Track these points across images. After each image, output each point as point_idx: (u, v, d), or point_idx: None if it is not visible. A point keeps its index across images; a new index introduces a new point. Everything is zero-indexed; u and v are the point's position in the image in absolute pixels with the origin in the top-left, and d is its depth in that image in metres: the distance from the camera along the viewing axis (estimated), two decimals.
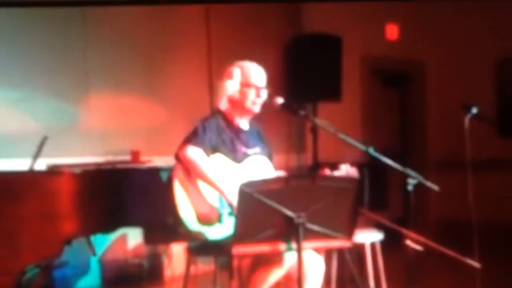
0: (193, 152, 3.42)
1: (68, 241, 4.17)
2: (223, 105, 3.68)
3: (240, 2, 6.65)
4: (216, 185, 3.42)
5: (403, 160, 3.85)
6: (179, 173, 3.46)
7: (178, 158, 3.46)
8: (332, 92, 6.95)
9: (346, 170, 3.71)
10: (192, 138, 3.47)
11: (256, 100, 3.64)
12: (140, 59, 6.09)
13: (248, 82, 3.64)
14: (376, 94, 8.00)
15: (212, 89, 6.35)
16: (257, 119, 3.78)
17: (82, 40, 5.74)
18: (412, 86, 8.36)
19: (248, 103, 3.64)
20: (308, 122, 5.74)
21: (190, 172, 3.44)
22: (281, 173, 3.76)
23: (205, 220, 3.43)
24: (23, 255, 3.93)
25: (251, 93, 3.63)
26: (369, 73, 7.88)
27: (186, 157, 3.43)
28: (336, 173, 3.70)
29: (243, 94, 3.64)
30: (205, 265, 5.34)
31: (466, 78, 7.95)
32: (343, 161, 3.76)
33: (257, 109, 3.67)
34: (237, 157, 3.60)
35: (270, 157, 3.79)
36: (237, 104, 3.66)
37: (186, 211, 3.41)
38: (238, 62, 3.72)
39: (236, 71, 3.67)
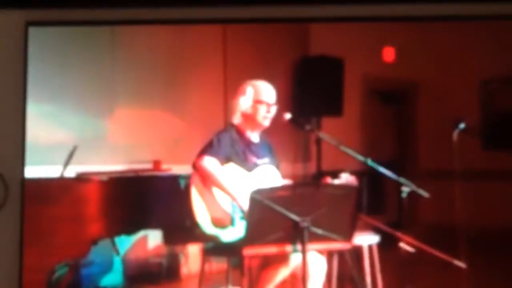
0: (209, 162, 3.45)
1: (94, 242, 4.19)
2: (236, 119, 3.72)
3: (255, 22, 6.67)
4: (229, 192, 3.44)
5: (397, 169, 3.87)
6: (195, 181, 3.49)
7: (195, 167, 3.49)
8: (335, 108, 6.94)
9: (346, 178, 3.74)
10: (208, 149, 3.50)
11: (267, 115, 3.69)
12: (161, 76, 6.10)
13: (260, 99, 3.68)
14: (374, 110, 7.98)
15: (227, 104, 6.36)
16: (267, 132, 3.81)
17: (109, 58, 5.77)
18: (407, 104, 8.32)
19: (259, 118, 3.68)
20: (313, 135, 5.74)
21: (206, 180, 3.46)
22: (288, 182, 3.77)
23: (219, 223, 3.46)
24: (55, 254, 3.95)
25: (262, 109, 3.68)
26: (368, 91, 7.87)
27: (202, 167, 3.45)
28: (337, 181, 3.72)
29: (255, 109, 3.68)
30: (218, 264, 5.34)
31: (455, 96, 7.94)
32: (344, 170, 3.78)
33: (267, 123, 3.71)
34: (248, 167, 3.62)
35: (277, 167, 3.82)
36: (250, 118, 3.70)
37: (202, 215, 3.44)
38: (251, 81, 3.76)
39: (249, 89, 3.71)
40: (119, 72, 5.82)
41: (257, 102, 3.69)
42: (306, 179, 7.16)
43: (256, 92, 3.72)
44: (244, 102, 3.71)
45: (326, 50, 7.17)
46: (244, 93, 3.74)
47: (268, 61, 6.81)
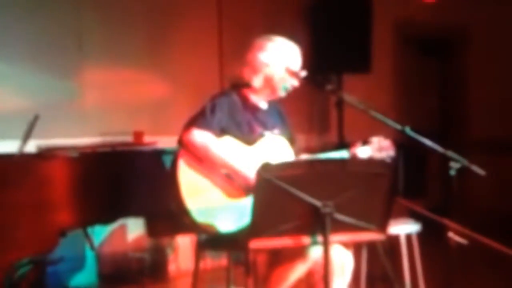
0: (199, 136, 3.42)
1: (62, 233, 4.19)
2: (257, 82, 3.68)
3: None
4: (230, 164, 3.42)
5: (443, 140, 3.81)
6: (183, 156, 3.46)
7: (182, 143, 3.46)
8: (360, 63, 6.91)
9: (378, 142, 3.72)
10: (199, 119, 3.47)
11: (290, 88, 3.70)
12: (141, 27, 6.10)
13: (294, 70, 3.68)
14: (411, 64, 7.96)
15: (222, 63, 6.34)
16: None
17: (76, 9, 5.75)
18: (453, 55, 8.30)
19: (282, 89, 3.69)
20: (333, 97, 5.70)
21: (197, 156, 3.44)
22: (307, 156, 3.76)
23: (214, 208, 3.43)
24: (14, 249, 3.94)
25: (292, 81, 3.68)
26: (402, 40, 7.83)
27: (191, 142, 3.43)
28: (367, 148, 3.71)
29: (283, 79, 3.67)
30: (214, 260, 5.37)
31: None
32: (371, 140, 3.76)
33: (283, 94, 3.73)
34: (251, 139, 3.60)
35: (292, 138, 3.80)
36: (270, 85, 3.69)
37: (193, 199, 3.41)
38: (278, 39, 3.72)
39: (283, 51, 3.69)
40: (87, 20, 5.79)
41: (290, 72, 3.67)
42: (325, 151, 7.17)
43: (291, 59, 3.68)
44: (274, 67, 3.68)
45: None
46: (275, 55, 3.68)
47: (273, 4, 6.77)
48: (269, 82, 3.68)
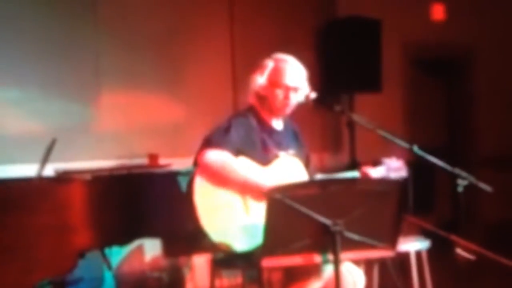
0: (215, 155, 3.43)
1: (81, 255, 4.21)
2: (251, 100, 3.69)
3: None
4: (247, 178, 3.43)
5: (451, 158, 3.83)
6: (199, 177, 3.47)
7: (198, 163, 3.46)
8: (371, 83, 6.93)
9: (390, 163, 3.72)
10: (213, 139, 3.47)
11: (285, 102, 3.64)
12: (156, 52, 6.10)
13: (277, 81, 3.63)
14: (420, 84, 7.96)
15: (236, 84, 6.36)
16: (288, 117, 3.79)
17: (93, 33, 5.79)
18: (461, 75, 8.30)
19: (276, 103, 3.65)
20: (344, 117, 5.73)
21: (214, 176, 3.45)
22: (322, 176, 3.77)
23: (230, 229, 3.45)
24: (34, 271, 3.94)
25: (280, 93, 3.64)
26: (412, 60, 7.85)
27: (207, 162, 3.42)
28: (380, 168, 3.71)
29: (271, 92, 3.65)
30: (230, 278, 5.37)
31: None
32: (383, 161, 3.77)
33: (287, 110, 3.68)
34: (266, 160, 3.59)
35: (307, 160, 3.80)
36: (265, 101, 3.66)
37: (208, 220, 3.43)
38: (277, 55, 3.73)
39: (269, 66, 3.68)
40: (105, 47, 5.83)
41: (273, 84, 3.64)
42: (337, 172, 7.18)
43: (276, 71, 3.64)
44: (259, 81, 3.66)
45: (359, 9, 7.14)
46: (262, 70, 3.68)
47: (284, 26, 6.80)
48: (260, 98, 3.67)
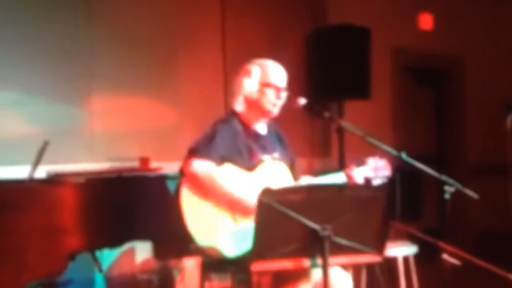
0: (200, 166, 3.41)
1: (71, 257, 4.20)
2: (239, 106, 3.68)
3: None
4: (232, 193, 3.42)
5: (439, 165, 3.86)
6: (186, 185, 3.46)
7: (184, 173, 3.46)
8: (360, 90, 6.94)
9: (374, 163, 3.73)
10: (199, 148, 3.45)
11: (276, 102, 3.65)
12: (148, 57, 6.09)
13: (268, 82, 3.65)
14: (408, 91, 7.99)
15: (227, 88, 6.35)
16: (277, 120, 3.79)
17: (86, 36, 5.76)
18: (449, 83, 8.34)
19: (267, 105, 3.64)
20: (333, 124, 5.73)
21: (199, 189, 3.44)
22: (309, 179, 3.77)
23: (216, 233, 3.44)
24: (24, 273, 3.94)
25: (271, 93, 3.64)
26: (401, 68, 7.87)
27: (192, 172, 3.41)
28: (365, 168, 3.71)
29: (262, 94, 3.65)
30: (221, 281, 5.37)
31: (509, 74, 7.92)
32: (366, 161, 3.76)
33: (276, 111, 3.68)
34: (251, 165, 3.59)
35: (292, 162, 3.80)
36: (255, 104, 3.66)
37: (197, 227, 3.42)
38: (258, 59, 3.73)
39: (255, 69, 3.68)
40: (97, 50, 5.81)
41: (264, 85, 3.64)
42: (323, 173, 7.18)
43: (264, 73, 3.67)
44: (248, 85, 3.67)
45: (348, 17, 7.15)
46: (248, 73, 3.70)
47: (275, 33, 6.81)
48: (250, 102, 3.66)
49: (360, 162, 3.79)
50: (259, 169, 3.61)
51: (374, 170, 3.77)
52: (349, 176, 3.74)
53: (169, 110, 6.23)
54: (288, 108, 3.71)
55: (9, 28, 5.40)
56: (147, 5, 6.12)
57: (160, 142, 6.04)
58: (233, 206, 3.47)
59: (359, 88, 6.93)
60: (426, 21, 8.01)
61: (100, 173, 5.17)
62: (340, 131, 6.74)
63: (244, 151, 3.58)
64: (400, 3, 7.61)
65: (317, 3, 7.25)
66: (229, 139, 3.55)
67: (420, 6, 7.92)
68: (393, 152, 3.58)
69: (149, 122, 6.06)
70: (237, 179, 3.50)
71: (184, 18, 6.34)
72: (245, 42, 6.50)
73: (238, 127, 3.63)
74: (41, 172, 4.83)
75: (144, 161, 5.61)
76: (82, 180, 4.42)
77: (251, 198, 3.36)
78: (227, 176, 3.47)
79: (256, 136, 3.68)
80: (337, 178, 3.75)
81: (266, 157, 3.64)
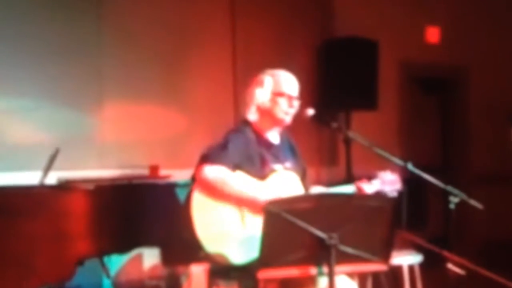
0: (212, 171, 3.43)
1: (80, 262, 4.21)
2: (252, 115, 3.69)
3: None
4: (245, 193, 3.43)
5: (445, 175, 3.85)
6: (197, 192, 3.47)
7: (196, 179, 3.47)
8: (367, 101, 6.96)
9: (385, 177, 3.73)
10: (211, 155, 3.47)
11: (289, 110, 3.66)
12: (158, 64, 6.12)
13: (281, 91, 3.66)
14: (415, 102, 7.99)
15: (237, 96, 6.36)
16: (285, 130, 3.80)
17: (96, 44, 5.80)
18: (455, 94, 8.33)
19: (280, 113, 3.66)
20: (341, 134, 5.75)
21: (211, 193, 3.45)
22: (319, 189, 3.77)
23: (225, 241, 3.45)
24: (34, 278, 3.95)
25: (283, 102, 3.65)
26: (407, 79, 7.88)
27: (205, 178, 3.42)
28: (376, 182, 3.72)
29: (274, 103, 3.66)
30: (228, 287, 5.36)
31: None
32: (378, 174, 3.77)
33: (288, 120, 3.69)
34: (263, 174, 3.60)
35: (304, 172, 3.80)
36: (267, 114, 3.67)
37: (206, 235, 3.43)
38: (269, 70, 3.75)
39: (267, 79, 3.70)
40: (108, 58, 5.85)
41: (277, 94, 3.66)
42: (333, 185, 7.17)
43: (276, 82, 3.69)
44: (261, 94, 3.69)
45: (356, 30, 7.18)
46: (261, 83, 3.71)
47: (284, 43, 6.83)
48: (262, 112, 3.68)
49: (371, 176, 3.79)
50: (271, 178, 3.60)
51: (384, 183, 3.78)
52: (359, 189, 3.74)
53: (179, 117, 6.24)
54: (296, 118, 3.72)
55: (20, 36, 5.44)
56: (157, 11, 6.14)
57: (170, 150, 6.05)
58: (244, 203, 3.47)
59: (366, 99, 6.94)
60: (433, 34, 8.03)
61: (110, 180, 5.18)
62: (348, 141, 6.74)
63: (256, 160, 3.58)
64: (407, 16, 7.63)
65: (326, 15, 7.27)
66: (241, 147, 3.55)
67: (427, 19, 7.93)
68: (399, 162, 3.58)
69: (159, 130, 6.07)
70: (249, 187, 3.51)
71: (194, 25, 6.36)
72: (254, 51, 6.52)
73: (251, 136, 3.63)
74: (52, 179, 4.86)
75: (154, 168, 5.62)
76: (91, 186, 4.44)
77: (261, 195, 3.40)
78: (240, 181, 3.49)
79: (268, 145, 3.68)
80: (348, 190, 3.76)
81: (278, 167, 3.65)
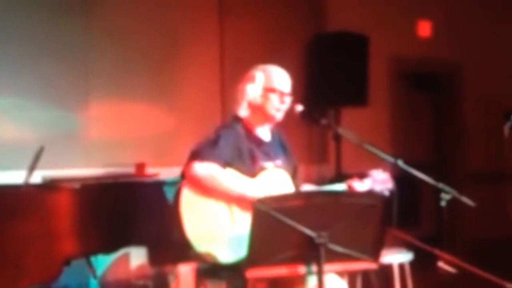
0: (202, 168, 3.41)
1: (66, 262, 4.18)
2: (243, 111, 3.67)
3: None
4: (234, 190, 3.41)
5: (437, 172, 3.84)
6: (186, 189, 3.45)
7: (185, 176, 3.45)
8: (357, 97, 6.94)
9: (376, 175, 3.72)
10: (201, 152, 3.45)
11: (280, 107, 3.64)
12: (145, 62, 6.11)
13: (272, 87, 3.64)
14: (406, 98, 7.99)
15: (224, 95, 6.35)
16: (276, 126, 3.78)
17: (82, 42, 5.77)
18: (447, 90, 8.33)
19: (271, 110, 3.64)
20: (331, 130, 5.73)
21: (200, 190, 3.43)
22: (310, 186, 3.76)
23: (214, 239, 3.43)
24: (19, 278, 3.93)
25: (275, 98, 3.63)
26: (398, 75, 7.87)
27: (194, 175, 3.40)
28: (367, 180, 3.71)
29: (265, 99, 3.64)
30: (215, 287, 5.35)
31: (508, 81, 7.92)
32: (369, 173, 3.76)
33: (280, 116, 3.67)
34: (253, 171, 3.58)
35: (295, 170, 3.78)
36: (259, 110, 3.65)
37: (194, 232, 3.41)
38: (261, 65, 3.73)
39: (259, 75, 3.67)
40: (94, 55, 5.82)
41: (268, 90, 3.64)
42: (323, 183, 7.17)
43: (268, 78, 3.67)
44: (252, 90, 3.67)
45: (346, 25, 7.16)
46: (252, 79, 3.69)
47: (273, 40, 6.81)
48: (254, 108, 3.66)
49: (363, 175, 3.77)
50: (261, 176, 3.59)
51: (376, 182, 3.76)
52: (350, 188, 3.73)
53: (166, 116, 6.23)
54: (286, 114, 3.70)
55: (4, 35, 5.41)
56: (145, 9, 6.13)
57: (157, 148, 6.04)
58: (232, 200, 3.46)
59: (356, 94, 6.93)
60: (424, 29, 8.01)
61: (95, 178, 5.15)
62: (337, 138, 6.73)
63: (246, 157, 3.57)
64: (398, 11, 7.61)
65: (316, 11, 7.25)
66: (232, 144, 3.53)
67: (419, 13, 7.92)
68: (390, 159, 3.56)
69: (146, 128, 6.06)
70: (237, 185, 3.48)
71: (182, 23, 6.34)
72: (243, 49, 6.50)
73: (241, 132, 3.62)
74: (37, 177, 4.82)
75: (140, 166, 5.60)
76: (77, 185, 4.41)
77: (250, 192, 3.40)
78: (230, 178, 3.46)
79: (259, 142, 3.67)
80: (339, 189, 3.74)
81: (268, 164, 3.63)
